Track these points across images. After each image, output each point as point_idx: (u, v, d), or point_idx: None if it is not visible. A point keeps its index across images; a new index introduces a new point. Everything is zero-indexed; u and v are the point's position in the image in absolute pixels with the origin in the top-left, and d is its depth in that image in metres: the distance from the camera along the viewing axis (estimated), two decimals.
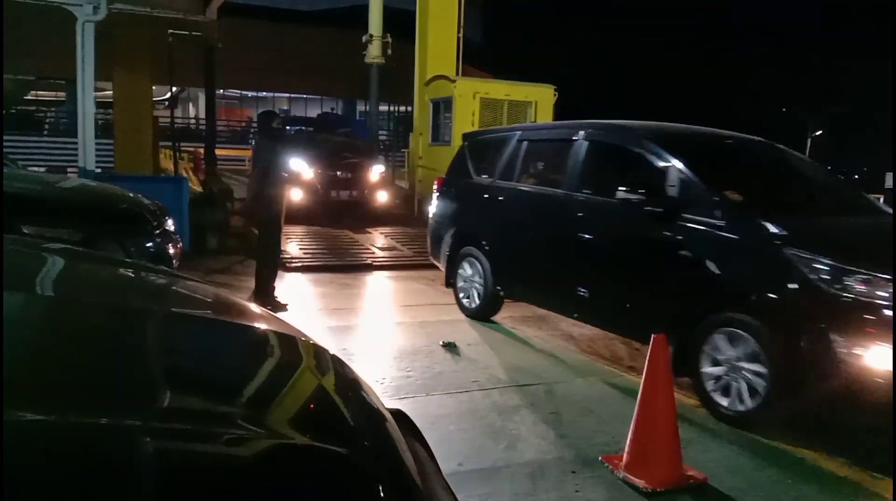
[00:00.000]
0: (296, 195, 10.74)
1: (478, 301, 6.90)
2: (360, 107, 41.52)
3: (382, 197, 13.30)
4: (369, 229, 12.32)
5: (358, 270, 9.57)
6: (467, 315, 7.02)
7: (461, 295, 7.16)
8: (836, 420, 4.64)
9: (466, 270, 7.02)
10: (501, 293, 6.76)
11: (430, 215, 7.87)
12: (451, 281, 7.34)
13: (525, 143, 6.78)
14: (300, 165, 10.54)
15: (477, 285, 6.88)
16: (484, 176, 7.08)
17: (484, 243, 6.79)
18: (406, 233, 12.16)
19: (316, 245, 10.79)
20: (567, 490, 3.52)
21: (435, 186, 7.90)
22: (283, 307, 6.92)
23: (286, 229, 9.39)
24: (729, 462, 3.93)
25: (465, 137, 8.07)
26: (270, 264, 7.14)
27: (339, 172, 12.88)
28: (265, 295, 6.94)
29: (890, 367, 3.68)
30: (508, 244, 6.62)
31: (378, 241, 11.53)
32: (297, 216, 11.25)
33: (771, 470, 3.88)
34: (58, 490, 0.78)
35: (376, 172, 13.42)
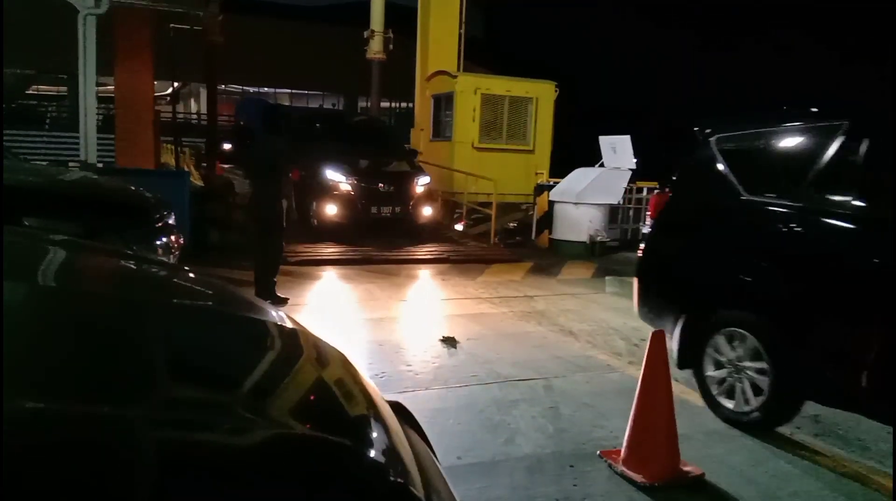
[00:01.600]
0: (330, 210, 10.46)
1: (754, 403, 4.28)
2: (362, 103, 41.51)
3: (427, 212, 11.41)
4: (423, 253, 10.56)
5: None
6: (729, 421, 4.43)
7: (715, 389, 4.57)
8: (834, 415, 4.66)
9: (726, 349, 4.45)
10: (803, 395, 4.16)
11: (644, 253, 5.26)
12: (690, 363, 4.73)
13: (872, 139, 3.97)
14: (336, 176, 10.62)
15: (752, 376, 4.29)
16: (769, 195, 4.48)
17: (769, 305, 4.22)
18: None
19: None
20: (565, 485, 3.53)
21: (649, 212, 5.47)
22: (282, 302, 6.97)
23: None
24: (726, 457, 3.94)
25: (710, 127, 5.05)
26: (270, 260, 7.16)
27: (381, 185, 11.04)
28: (265, 290, 6.98)
29: None
30: (833, 314, 3.93)
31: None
32: (333, 233, 10.68)
33: (768, 465, 3.89)
34: (60, 478, 0.79)
35: (421, 183, 11.48)
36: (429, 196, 11.59)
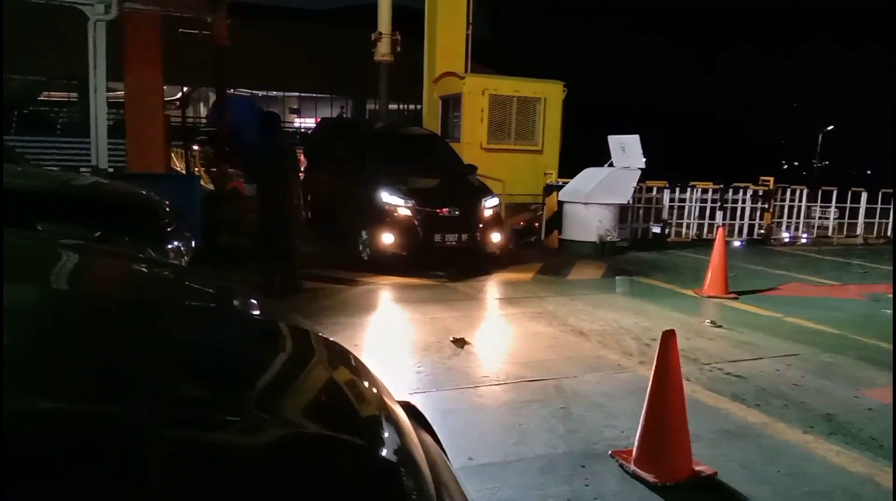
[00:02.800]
0: (387, 239, 8.96)
1: None
2: (370, 106, 41.57)
3: (497, 238, 9.65)
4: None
5: None
6: None
7: None
8: (847, 414, 4.63)
9: None
10: None
11: None
12: None
13: None
14: (393, 200, 9.12)
15: None
16: None
17: None
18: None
19: None
20: (576, 485, 3.52)
21: None
22: (298, 289, 7.72)
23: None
24: (739, 457, 3.92)
25: None
26: (285, 256, 7.65)
27: (444, 209, 9.38)
28: (270, 287, 7.39)
29: None
30: None
31: None
32: (387, 264, 9.17)
33: (781, 465, 3.87)
34: (71, 477, 0.79)
35: (489, 205, 9.77)
36: (497, 220, 9.88)
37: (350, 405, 1.33)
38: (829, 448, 4.11)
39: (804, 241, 14.76)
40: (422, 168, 10.22)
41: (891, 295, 8.46)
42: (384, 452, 1.13)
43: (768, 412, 4.59)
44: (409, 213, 9.19)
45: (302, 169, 9.90)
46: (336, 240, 10.56)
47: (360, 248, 9.61)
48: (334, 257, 9.88)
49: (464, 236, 9.39)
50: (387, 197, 9.26)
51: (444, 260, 9.51)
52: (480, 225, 9.47)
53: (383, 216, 9.18)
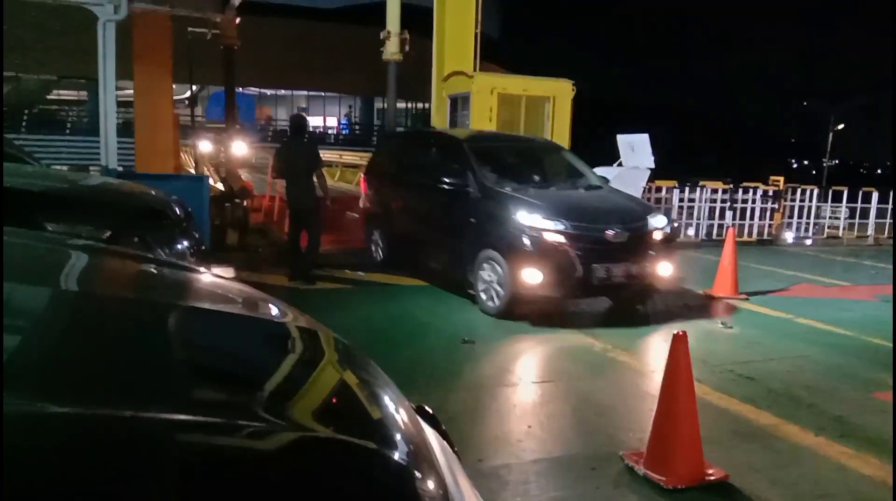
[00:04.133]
0: (533, 276, 6.64)
1: None
2: (378, 104, 41.63)
3: (667, 270, 7.24)
4: None
5: None
6: None
7: None
8: (859, 416, 4.59)
9: None
10: None
11: None
12: None
13: None
14: (537, 221, 6.80)
15: None
16: None
17: None
18: None
19: None
20: (587, 487, 3.50)
21: None
22: (311, 280, 8.24)
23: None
24: (750, 460, 3.90)
25: None
26: (311, 245, 8.45)
27: (610, 231, 6.90)
28: (297, 270, 8.35)
29: None
30: None
31: None
32: (529, 307, 7.07)
33: (793, 468, 3.84)
34: (82, 482, 0.78)
35: (658, 225, 7.33)
36: (668, 245, 7.50)
37: (362, 407, 1.31)
38: (842, 450, 4.08)
39: (809, 243, 14.66)
40: (551, 183, 8.17)
41: None
42: (397, 455, 1.12)
43: (780, 414, 4.56)
44: (561, 238, 6.73)
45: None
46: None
47: (479, 289, 7.19)
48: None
49: (633, 269, 6.97)
50: (527, 217, 6.82)
51: (609, 303, 7.68)
52: (651, 252, 7.12)
53: (524, 244, 6.76)
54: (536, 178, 8.25)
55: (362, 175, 10.54)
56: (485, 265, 7.11)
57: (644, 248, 7.08)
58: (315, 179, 8.19)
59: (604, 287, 6.99)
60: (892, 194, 15.62)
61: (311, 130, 8.92)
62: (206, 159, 18.25)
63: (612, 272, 6.82)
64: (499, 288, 6.92)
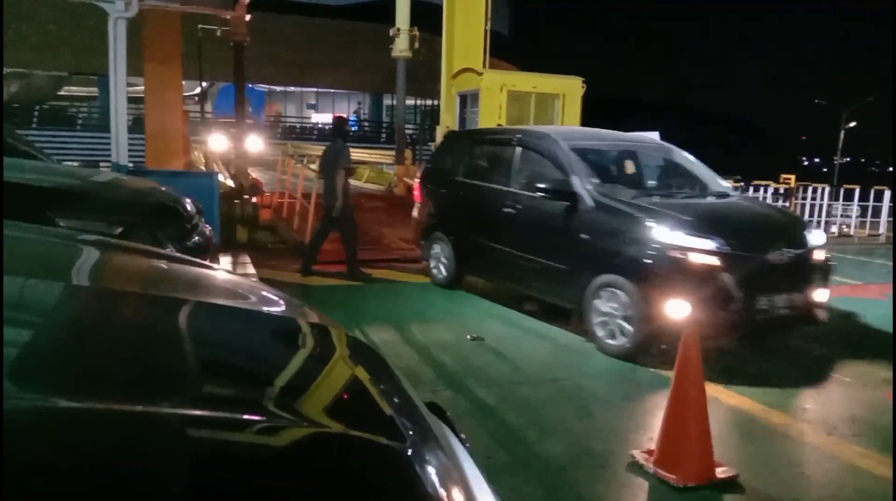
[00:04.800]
0: (677, 310, 5.24)
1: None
2: (387, 101, 41.64)
3: (823, 297, 5.89)
4: None
5: None
6: None
7: None
8: (871, 415, 4.56)
9: None
10: None
11: None
12: None
13: None
14: (680, 236, 5.42)
15: None
16: None
17: None
18: None
19: None
20: (596, 485, 3.50)
21: None
22: (367, 277, 8.49)
23: None
24: (761, 459, 3.88)
25: None
26: (348, 240, 8.52)
27: (775, 253, 5.63)
28: (309, 261, 8.54)
29: None
30: None
31: None
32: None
33: (804, 466, 3.82)
34: (92, 477, 0.78)
35: (818, 242, 6.02)
36: (826, 267, 6.04)
37: (373, 403, 1.31)
38: (854, 450, 4.05)
39: None
40: (673, 190, 6.89)
41: None
42: (409, 451, 1.11)
43: (791, 414, 4.53)
44: (715, 260, 5.35)
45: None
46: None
47: (594, 322, 5.89)
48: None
49: (796, 298, 5.67)
50: (668, 234, 5.46)
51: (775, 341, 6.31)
52: (812, 277, 5.84)
53: (664, 268, 5.44)
54: (654, 185, 7.20)
55: (416, 181, 9.24)
56: (602, 293, 5.78)
57: (806, 271, 5.79)
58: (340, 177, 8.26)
59: (766, 322, 5.58)
60: (892, 193, 15.52)
61: (348, 131, 9.04)
62: (216, 156, 18.31)
63: (774, 303, 5.50)
64: (623, 323, 5.59)
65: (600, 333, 5.84)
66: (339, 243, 8.65)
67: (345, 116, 9.13)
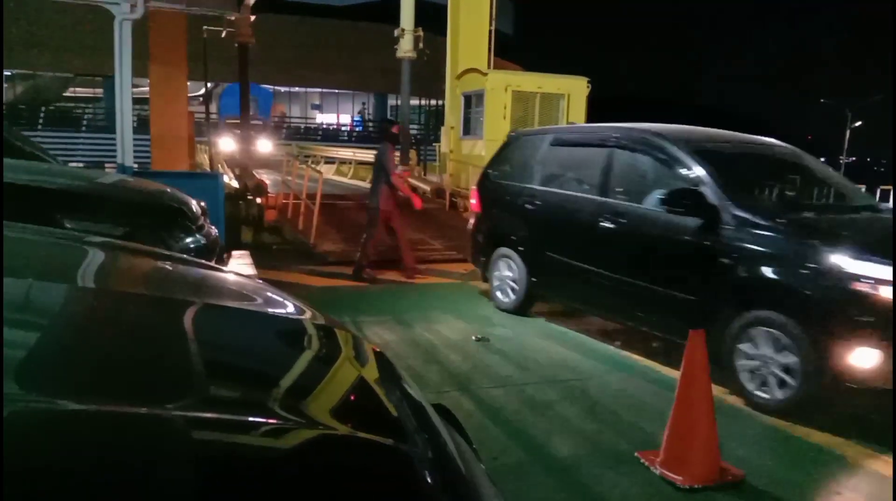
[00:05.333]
0: (865, 359, 4.19)
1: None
2: (392, 101, 41.68)
3: None
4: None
5: None
6: None
7: None
8: (879, 415, 4.54)
9: None
10: None
11: None
12: None
13: None
14: (867, 267, 4.29)
15: None
16: None
17: None
18: None
19: None
20: (602, 487, 3.49)
21: None
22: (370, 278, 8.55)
23: None
24: (767, 459, 3.87)
25: None
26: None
27: None
28: (359, 265, 8.61)
29: None
30: None
31: None
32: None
33: (810, 467, 3.81)
34: (99, 479, 0.78)
35: None
36: None
37: (380, 404, 1.31)
38: (861, 450, 4.03)
39: None
40: (821, 205, 5.84)
41: None
42: (416, 452, 1.11)
43: (798, 414, 4.51)
44: None
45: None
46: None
47: (742, 368, 4.79)
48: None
49: None
50: (850, 261, 4.38)
51: None
52: None
53: (849, 306, 4.33)
54: (793, 196, 5.98)
55: (474, 187, 8.07)
56: (752, 333, 4.70)
57: None
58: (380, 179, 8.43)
59: None
60: (892, 194, 15.46)
61: (395, 134, 8.96)
62: (220, 157, 18.34)
63: None
64: (783, 374, 4.52)
65: (750, 385, 4.71)
66: (395, 243, 8.77)
67: (393, 119, 9.12)
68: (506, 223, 7.22)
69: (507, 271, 7.10)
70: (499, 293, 7.24)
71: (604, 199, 6.00)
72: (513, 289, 7.03)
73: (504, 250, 7.13)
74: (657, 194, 5.45)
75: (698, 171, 5.29)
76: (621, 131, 6.20)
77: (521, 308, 7.00)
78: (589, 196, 6.17)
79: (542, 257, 6.63)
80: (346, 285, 8.31)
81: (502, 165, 7.65)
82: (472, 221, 7.93)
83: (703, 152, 5.49)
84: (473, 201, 7.94)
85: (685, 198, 5.17)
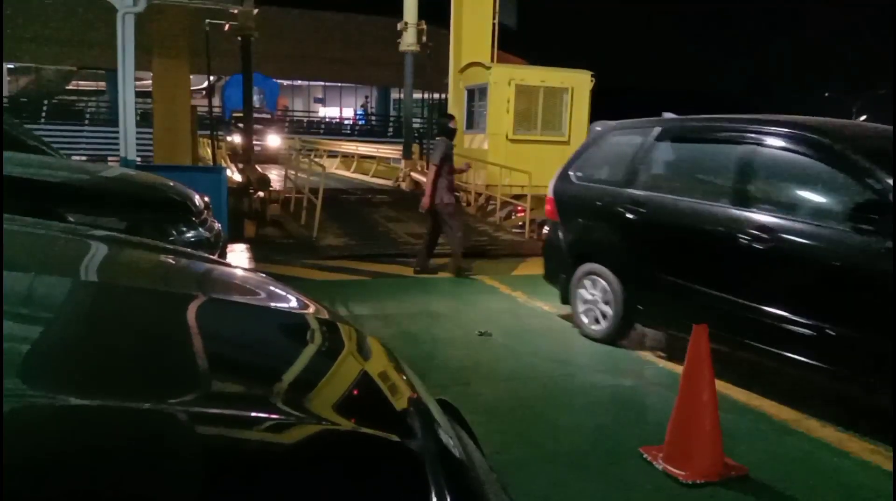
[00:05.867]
0: None
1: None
2: (395, 95, 41.63)
3: None
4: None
5: None
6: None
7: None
8: (883, 411, 4.53)
9: None
10: None
11: None
12: None
13: None
14: None
15: None
16: None
17: None
18: None
19: None
20: (606, 481, 3.48)
21: None
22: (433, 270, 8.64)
23: None
24: (771, 455, 3.86)
25: None
26: (456, 238, 8.67)
27: None
28: (424, 260, 8.66)
29: None
30: None
31: None
32: None
33: (814, 463, 3.80)
34: (101, 474, 0.78)
35: None
36: None
37: (384, 398, 1.30)
38: (864, 446, 4.02)
39: None
40: None
41: None
42: (420, 448, 1.10)
43: (801, 409, 4.50)
44: None
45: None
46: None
47: None
48: None
49: None
50: None
51: None
52: None
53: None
54: None
55: (550, 193, 6.61)
56: None
57: None
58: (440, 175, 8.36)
59: None
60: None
61: (451, 127, 8.84)
62: (223, 151, 18.34)
63: None
64: None
65: None
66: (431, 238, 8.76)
67: (452, 114, 8.99)
68: (596, 235, 5.99)
69: (597, 293, 5.90)
70: (584, 318, 6.04)
71: (744, 212, 4.77)
72: (605, 314, 5.81)
73: (593, 266, 5.93)
74: (831, 206, 4.44)
75: (885, 179, 4.15)
76: (765, 125, 4.94)
77: (614, 337, 5.80)
78: (721, 206, 4.96)
79: (648, 277, 5.42)
80: (348, 278, 8.31)
81: (589, 165, 6.36)
82: (546, 230, 6.79)
83: (880, 154, 4.35)
84: (548, 206, 6.63)
85: (857, 212, 4.15)
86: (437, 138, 8.77)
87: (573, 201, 6.32)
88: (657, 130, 5.79)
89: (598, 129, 6.54)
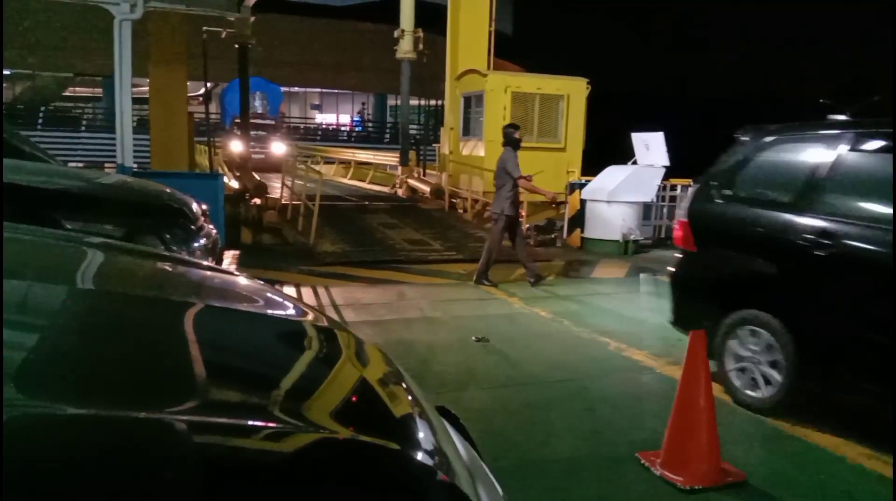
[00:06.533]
0: None
1: None
2: (391, 101, 41.69)
3: None
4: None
5: None
6: None
7: None
8: (879, 417, 4.53)
9: None
10: None
11: None
12: None
13: None
14: None
15: None
16: None
17: None
18: None
19: None
20: (602, 487, 3.48)
21: None
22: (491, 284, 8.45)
23: None
24: (768, 461, 3.86)
25: None
26: (520, 247, 8.72)
27: None
28: (482, 272, 8.52)
29: None
30: None
31: None
32: None
33: (811, 468, 3.80)
34: (98, 484, 0.78)
35: None
36: None
37: (382, 405, 1.30)
38: (861, 451, 4.02)
39: None
40: None
41: None
42: (419, 455, 1.10)
43: (799, 415, 4.50)
44: None
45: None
46: None
47: None
48: None
49: None
50: None
51: None
52: None
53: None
54: None
55: (683, 216, 5.28)
56: None
57: None
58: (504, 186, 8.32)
59: None
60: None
61: (518, 139, 8.60)
62: (220, 159, 18.30)
63: None
64: None
65: None
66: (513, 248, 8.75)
67: (516, 124, 8.81)
68: (756, 272, 4.63)
69: (756, 349, 4.56)
70: (737, 381, 4.69)
71: None
72: (766, 378, 4.51)
73: (751, 313, 4.59)
74: None
75: None
76: None
77: (780, 407, 4.46)
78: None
79: (837, 332, 4.19)
80: (344, 285, 8.30)
81: (742, 181, 5.03)
82: (677, 262, 5.31)
83: None
84: (678, 232, 5.30)
85: None
86: (505, 149, 8.49)
87: (721, 227, 5.01)
88: (847, 136, 4.44)
89: (748, 137, 5.14)
